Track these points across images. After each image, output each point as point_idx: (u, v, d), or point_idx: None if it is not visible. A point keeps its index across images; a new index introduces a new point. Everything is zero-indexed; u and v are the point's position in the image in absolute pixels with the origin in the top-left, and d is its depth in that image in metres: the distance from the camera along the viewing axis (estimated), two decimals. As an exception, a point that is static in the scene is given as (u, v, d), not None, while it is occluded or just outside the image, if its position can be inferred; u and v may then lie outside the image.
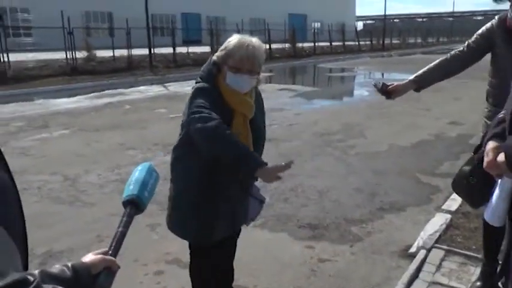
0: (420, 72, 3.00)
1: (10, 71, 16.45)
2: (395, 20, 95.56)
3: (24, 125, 9.01)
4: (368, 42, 43.08)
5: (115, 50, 20.84)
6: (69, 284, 0.96)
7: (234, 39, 2.12)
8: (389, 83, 2.99)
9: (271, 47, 28.74)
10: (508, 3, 2.61)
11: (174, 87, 14.98)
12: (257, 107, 2.25)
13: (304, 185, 5.33)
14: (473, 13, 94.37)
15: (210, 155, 2.05)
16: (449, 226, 3.94)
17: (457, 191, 2.49)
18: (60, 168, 5.97)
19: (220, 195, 2.15)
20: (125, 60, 20.42)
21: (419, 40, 55.58)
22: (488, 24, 2.83)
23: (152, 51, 21.10)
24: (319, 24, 52.86)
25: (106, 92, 14.30)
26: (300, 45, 31.82)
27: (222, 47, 2.13)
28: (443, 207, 4.41)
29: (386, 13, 49.20)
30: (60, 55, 19.24)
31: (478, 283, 2.94)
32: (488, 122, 2.78)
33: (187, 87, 12.74)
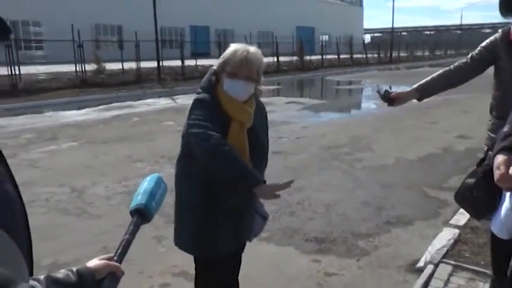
0: (423, 81, 3.01)
1: (21, 83, 16.64)
2: (403, 33, 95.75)
3: (33, 137, 9.09)
4: (376, 55, 43.11)
5: (124, 63, 21.04)
6: None
7: (231, 47, 2.15)
8: (392, 91, 3.00)
9: (279, 59, 28.87)
10: None
11: (182, 100, 15.06)
12: (259, 118, 2.25)
13: (311, 199, 5.31)
14: (482, 26, 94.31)
15: (210, 169, 2.06)
16: (457, 241, 3.90)
17: (460, 203, 2.48)
18: (68, 180, 6.01)
19: (221, 209, 2.15)
20: (133, 73, 20.59)
21: (426, 53, 55.56)
22: (492, 38, 2.84)
23: (161, 64, 21.28)
24: (327, 37, 53.07)
25: (114, 104, 14.41)
26: (307, 58, 31.92)
27: (221, 56, 2.16)
28: (451, 221, 4.37)
29: (394, 26, 49.27)
30: (70, 68, 19.45)
31: None
32: (492, 135, 2.77)
33: (195, 100, 12.82)
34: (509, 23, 2.77)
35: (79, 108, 13.49)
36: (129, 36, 22.14)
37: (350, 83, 23.96)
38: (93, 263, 1.06)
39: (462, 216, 4.34)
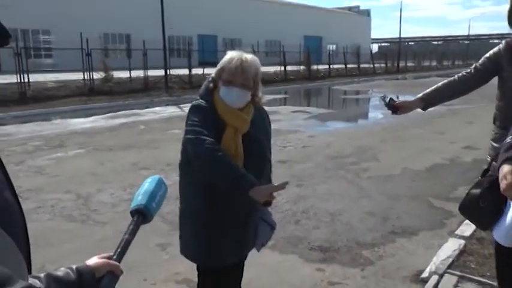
0: (428, 90, 3.01)
1: (30, 91, 16.82)
2: (410, 43, 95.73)
3: (41, 144, 9.15)
4: (383, 65, 43.13)
5: (132, 71, 21.19)
6: (73, 287, 0.98)
7: (228, 55, 2.17)
8: (397, 99, 3.00)
9: (286, 68, 28.96)
10: None
11: (188, 108, 15.12)
12: (260, 125, 2.26)
13: (316, 208, 5.30)
14: (490, 36, 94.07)
15: (203, 174, 2.09)
16: (462, 252, 3.87)
17: (466, 213, 2.47)
18: (74, 187, 6.04)
19: (223, 217, 2.16)
20: (141, 81, 20.73)
21: (434, 63, 55.50)
22: (496, 48, 2.85)
23: (168, 73, 21.40)
24: (334, 46, 53.22)
25: (122, 112, 14.50)
26: (315, 67, 31.99)
27: (219, 63, 2.18)
28: (456, 232, 4.34)
29: (402, 36, 49.32)
30: (78, 76, 19.63)
31: None
32: (495, 145, 2.77)
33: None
34: None
35: (86, 116, 13.59)
36: (137, 44, 22.32)
37: (357, 92, 23.96)
38: (93, 261, 1.07)
39: (468, 227, 4.31)
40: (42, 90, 17.50)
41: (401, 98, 3.08)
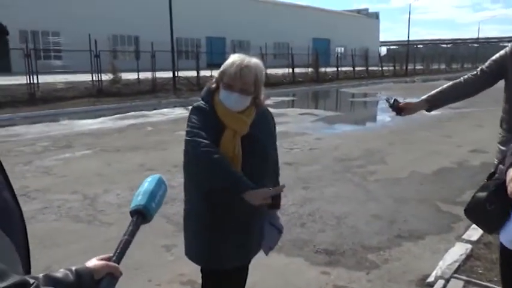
0: (433, 92, 2.99)
1: (39, 92, 16.95)
2: (419, 46, 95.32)
3: (49, 144, 9.21)
4: (391, 68, 42.99)
5: (140, 73, 21.28)
6: None
7: (230, 58, 2.15)
8: (401, 100, 2.98)
9: (295, 71, 28.95)
10: None
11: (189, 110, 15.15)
12: (263, 127, 2.25)
13: (322, 210, 5.28)
14: (500, 39, 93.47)
15: (199, 175, 2.11)
16: (469, 256, 3.84)
17: (472, 217, 2.45)
18: (80, 188, 6.07)
19: (226, 220, 2.15)
20: (149, 83, 20.82)
21: (443, 66, 55.21)
22: (503, 51, 2.83)
23: (176, 74, 21.47)
24: (342, 49, 53.13)
25: (129, 113, 14.56)
26: (323, 69, 31.96)
27: (222, 66, 2.17)
28: (463, 236, 4.30)
29: (410, 38, 49.13)
30: (87, 77, 19.75)
31: None
32: (502, 148, 2.75)
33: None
34: None
35: (95, 117, 13.66)
36: (146, 46, 22.43)
37: (365, 95, 23.89)
38: (92, 263, 1.07)
39: (475, 232, 4.27)
40: (51, 91, 17.64)
41: (407, 100, 3.06)
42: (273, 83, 25.53)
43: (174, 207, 5.14)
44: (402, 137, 10.12)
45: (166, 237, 4.38)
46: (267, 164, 2.24)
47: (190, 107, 2.22)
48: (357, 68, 36.10)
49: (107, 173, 6.90)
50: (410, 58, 46.82)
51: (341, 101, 21.88)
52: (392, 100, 2.95)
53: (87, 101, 16.65)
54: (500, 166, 2.37)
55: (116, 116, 14.00)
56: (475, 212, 2.39)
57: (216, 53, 33.68)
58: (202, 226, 2.20)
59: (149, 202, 1.23)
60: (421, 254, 4.11)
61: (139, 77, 21.43)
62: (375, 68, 39.88)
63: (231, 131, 2.10)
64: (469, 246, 4.01)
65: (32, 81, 16.92)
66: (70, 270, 0.99)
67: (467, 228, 4.51)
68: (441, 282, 3.39)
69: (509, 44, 2.82)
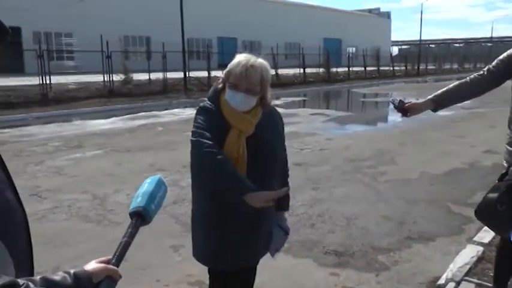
0: (439, 92, 2.96)
1: (51, 93, 17.11)
2: (431, 45, 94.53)
3: (60, 144, 9.28)
4: (403, 68, 42.70)
5: (151, 73, 21.38)
6: None
7: (236, 58, 2.14)
8: (406, 101, 2.95)
9: (306, 71, 28.90)
10: None
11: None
12: (271, 127, 2.23)
13: (331, 211, 5.25)
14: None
15: (201, 176, 2.11)
16: (481, 259, 3.79)
17: (482, 218, 2.43)
18: (91, 188, 6.10)
19: (232, 221, 2.13)
20: (160, 83, 20.91)
21: (455, 66, 54.68)
22: (510, 51, 2.79)
23: (187, 75, 21.54)
24: (354, 49, 52.92)
25: (140, 114, 14.63)
26: (334, 69, 31.86)
27: (228, 65, 2.16)
28: (475, 238, 4.25)
29: (422, 38, 48.76)
30: (99, 78, 19.89)
31: None
32: (510, 149, 2.73)
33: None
34: None
35: (106, 118, 13.75)
36: (157, 47, 22.54)
37: (376, 95, 23.75)
38: (91, 266, 1.06)
39: (487, 234, 4.21)
40: (63, 91, 17.80)
41: (413, 100, 3.03)
42: (284, 83, 25.52)
43: (183, 207, 5.16)
44: (413, 138, 10.04)
45: (175, 238, 4.39)
46: (275, 164, 2.23)
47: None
48: (368, 68, 35.92)
49: (117, 173, 6.94)
50: (422, 58, 46.46)
51: (352, 101, 21.77)
52: (398, 101, 2.92)
53: (98, 102, 16.77)
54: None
55: (126, 116, 14.08)
56: (486, 213, 2.37)
57: (227, 53, 33.72)
58: (209, 227, 2.19)
59: (149, 203, 1.21)
60: (432, 256, 4.07)
61: (151, 77, 21.53)
62: (386, 68, 39.64)
63: (236, 131, 2.09)
64: (481, 248, 3.97)
65: (44, 82, 17.10)
66: (68, 273, 0.99)
67: (478, 230, 4.46)
68: (452, 284, 3.35)
69: None
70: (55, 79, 18.29)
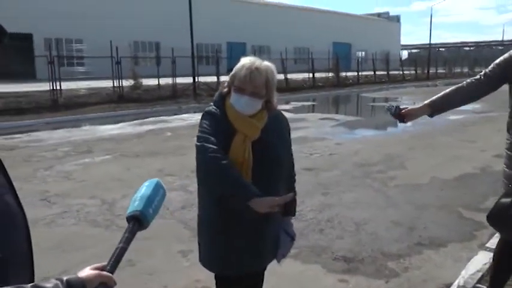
0: (436, 97, 2.95)
1: (61, 98, 17.24)
2: (441, 49, 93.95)
3: (70, 150, 9.33)
4: (412, 72, 42.49)
5: (161, 79, 21.47)
6: None
7: (241, 61, 2.12)
8: (402, 107, 2.94)
9: (315, 75, 28.86)
10: None
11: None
12: (276, 131, 2.20)
13: (341, 216, 5.21)
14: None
15: (206, 182, 2.10)
16: (493, 265, 3.71)
17: (495, 224, 2.40)
18: (99, 193, 6.11)
19: (237, 227, 2.11)
20: (169, 89, 20.98)
21: (466, 70, 54.27)
22: (506, 55, 2.78)
23: (197, 80, 21.59)
24: (363, 53, 52.78)
25: (149, 119, 14.68)
26: (343, 74, 31.79)
27: (233, 69, 2.15)
28: (487, 244, 4.18)
29: (432, 42, 48.56)
30: (108, 83, 20.02)
31: None
32: (510, 153, 2.72)
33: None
34: None
35: (115, 123, 13.81)
36: (166, 52, 22.65)
37: (386, 99, 23.63)
38: (85, 272, 1.04)
39: (499, 239, 4.14)
40: (73, 97, 17.92)
41: (409, 106, 3.02)
42: (294, 87, 25.51)
43: (192, 212, 5.14)
44: (423, 142, 9.95)
45: (183, 243, 4.36)
46: (281, 169, 2.20)
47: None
48: (377, 72, 35.80)
49: (126, 178, 6.94)
50: (432, 62, 46.21)
51: (362, 106, 21.69)
52: (394, 108, 2.92)
53: (108, 107, 16.86)
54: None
55: (136, 121, 14.14)
56: (498, 218, 2.34)
57: (236, 58, 33.47)
58: (214, 232, 2.17)
59: (146, 208, 1.19)
60: (443, 263, 4.00)
61: (160, 82, 21.61)
62: (396, 72, 39.48)
63: (241, 136, 2.07)
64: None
65: (55, 88, 17.24)
66: (61, 280, 0.97)
67: (491, 236, 4.39)
68: (463, 291, 3.29)
69: None
70: (65, 85, 18.44)
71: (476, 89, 2.87)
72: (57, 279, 0.97)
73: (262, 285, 2.49)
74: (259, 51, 30.50)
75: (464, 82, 2.95)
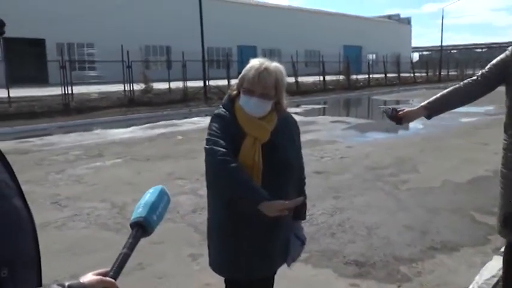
0: (432, 98, 2.93)
1: (73, 102, 17.39)
2: (452, 51, 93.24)
3: (81, 153, 9.38)
4: (424, 74, 42.21)
5: (171, 82, 21.55)
6: None
7: (250, 63, 2.11)
8: (399, 109, 2.91)
9: (326, 78, 28.81)
10: None
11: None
12: (286, 134, 2.18)
13: (352, 220, 5.16)
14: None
15: (215, 185, 2.09)
16: (508, 270, 3.65)
17: (509, 226, 2.37)
18: (110, 196, 6.13)
19: (246, 230, 2.09)
20: (180, 92, 21.06)
21: (478, 71, 53.76)
22: (503, 55, 2.76)
23: (207, 83, 21.65)
24: (374, 55, 52.56)
25: (160, 123, 14.73)
26: (354, 77, 31.70)
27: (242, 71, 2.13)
28: (502, 249, 4.10)
29: (444, 44, 48.17)
30: (119, 87, 20.15)
31: None
32: (509, 154, 2.70)
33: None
34: None
35: (126, 127, 13.88)
36: (177, 56, 22.74)
37: (397, 102, 23.48)
38: (87, 278, 1.03)
39: (514, 244, 4.06)
40: (85, 101, 18.06)
41: (406, 108, 3.00)
42: (304, 90, 25.46)
43: (202, 216, 5.12)
44: (435, 145, 9.86)
45: (193, 246, 4.35)
46: (290, 172, 2.17)
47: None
48: (388, 75, 35.62)
49: (137, 181, 6.96)
50: (443, 64, 45.89)
51: (373, 109, 21.58)
52: (391, 110, 2.90)
53: (119, 111, 16.95)
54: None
55: (146, 125, 14.20)
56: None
57: (247, 61, 33.86)
58: (224, 235, 2.15)
59: (150, 214, 1.18)
60: (456, 267, 3.94)
61: (171, 86, 21.70)
62: (407, 75, 39.26)
63: (251, 138, 2.05)
64: (508, 259, 3.82)
65: (66, 92, 17.39)
66: (62, 285, 0.95)
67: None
68: (477, 297, 3.23)
69: (509, 48, 2.73)
70: (77, 89, 18.61)
71: (474, 90, 2.86)
72: (58, 284, 0.95)
73: (272, 286, 2.47)
74: (270, 55, 30.53)
75: (462, 83, 2.95)
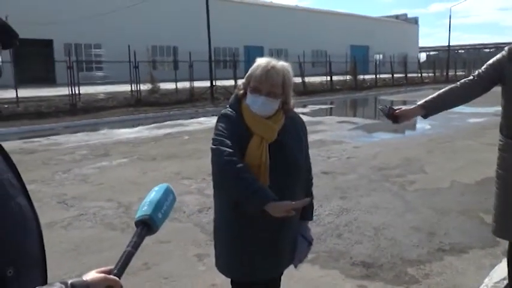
0: (429, 98, 2.92)
1: (80, 102, 17.46)
2: (460, 51, 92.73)
3: (87, 153, 9.40)
4: (431, 74, 42.00)
5: (178, 83, 21.59)
6: None
7: (256, 62, 2.09)
8: (396, 107, 2.90)
9: (333, 78, 28.75)
10: None
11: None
12: (293, 134, 2.15)
13: (359, 221, 5.12)
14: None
15: (221, 185, 2.08)
16: (518, 273, 3.60)
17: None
18: (116, 196, 6.13)
19: (252, 231, 2.07)
20: (187, 92, 21.08)
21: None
22: (499, 55, 2.75)
23: (214, 84, 21.67)
24: (381, 55, 52.37)
25: (167, 122, 14.75)
26: (361, 77, 31.61)
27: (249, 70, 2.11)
28: (510, 250, 4.05)
29: (451, 44, 47.92)
30: (126, 87, 20.21)
31: None
32: (504, 155, 2.69)
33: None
34: None
35: (132, 127, 13.92)
36: (184, 56, 22.78)
37: (404, 102, 23.36)
38: (90, 276, 1.01)
39: (524, 245, 4.01)
40: (91, 101, 18.13)
41: (402, 107, 2.98)
42: (311, 91, 25.42)
43: (208, 216, 5.11)
44: (443, 145, 9.79)
45: (199, 247, 4.33)
46: (298, 172, 2.15)
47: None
48: (395, 75, 35.48)
49: (143, 181, 6.95)
50: (451, 64, 45.65)
51: (379, 109, 21.47)
52: (387, 109, 2.88)
53: (126, 111, 17.00)
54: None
55: (153, 125, 14.22)
56: None
57: (253, 61, 33.89)
58: (231, 236, 2.13)
59: (155, 212, 1.16)
60: (465, 270, 3.89)
61: (177, 86, 21.73)
62: (414, 75, 39.08)
63: (258, 138, 2.02)
64: (518, 261, 3.77)
65: (74, 92, 17.46)
66: (65, 283, 0.94)
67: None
68: (487, 300, 3.19)
69: (506, 48, 2.71)
70: (84, 89, 18.69)
71: (470, 90, 2.86)
72: (61, 282, 0.94)
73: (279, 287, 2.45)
74: (277, 55, 30.40)
75: (458, 82, 2.94)
